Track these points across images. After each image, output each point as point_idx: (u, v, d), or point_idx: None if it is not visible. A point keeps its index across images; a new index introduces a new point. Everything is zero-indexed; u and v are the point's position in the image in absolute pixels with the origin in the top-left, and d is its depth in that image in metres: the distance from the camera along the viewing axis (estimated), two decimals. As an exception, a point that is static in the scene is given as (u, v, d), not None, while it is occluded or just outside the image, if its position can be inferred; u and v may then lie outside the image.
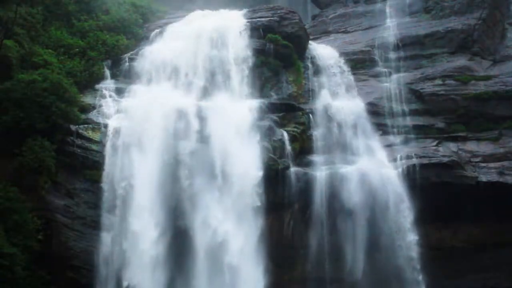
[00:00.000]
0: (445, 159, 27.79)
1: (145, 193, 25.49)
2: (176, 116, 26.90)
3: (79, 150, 26.26)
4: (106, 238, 25.17)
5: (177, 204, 25.72)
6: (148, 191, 25.53)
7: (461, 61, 31.33)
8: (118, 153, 26.24)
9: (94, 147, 26.45)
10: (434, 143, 28.90)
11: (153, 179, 25.64)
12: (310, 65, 30.94)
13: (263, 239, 25.68)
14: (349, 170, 27.50)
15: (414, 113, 30.02)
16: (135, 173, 25.92)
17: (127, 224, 25.42)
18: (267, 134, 27.52)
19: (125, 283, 24.88)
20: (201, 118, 26.97)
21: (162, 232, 25.38)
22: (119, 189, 25.73)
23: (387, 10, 35.14)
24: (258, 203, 25.96)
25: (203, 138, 26.53)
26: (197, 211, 25.59)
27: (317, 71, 30.89)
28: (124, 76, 29.62)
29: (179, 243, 25.45)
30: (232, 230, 25.34)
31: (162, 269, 25.21)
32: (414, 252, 26.71)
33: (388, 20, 34.54)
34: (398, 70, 31.68)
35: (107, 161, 26.09)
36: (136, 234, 25.27)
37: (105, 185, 25.77)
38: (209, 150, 26.17)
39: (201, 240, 25.29)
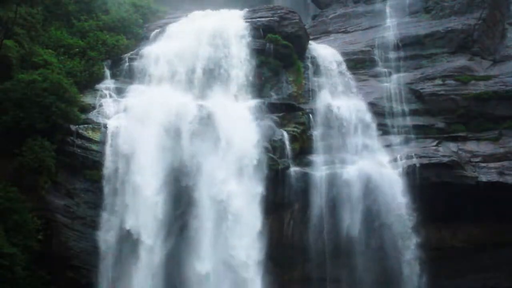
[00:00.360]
0: (445, 159, 27.80)
1: (147, 154, 25.93)
2: (176, 115, 26.96)
3: (79, 150, 26.26)
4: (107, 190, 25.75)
5: (180, 163, 26.09)
6: (150, 152, 25.95)
7: (461, 61, 31.33)
8: (121, 129, 26.69)
9: (94, 147, 26.45)
10: (434, 143, 28.90)
11: (155, 143, 26.11)
12: (310, 65, 30.93)
13: (262, 196, 26.08)
14: (349, 170, 27.54)
15: (414, 113, 30.02)
16: (138, 139, 26.33)
17: (129, 178, 25.82)
18: (267, 134, 27.52)
19: (127, 227, 25.23)
20: (201, 117, 27.05)
21: (163, 184, 25.67)
22: (122, 150, 26.17)
23: (387, 10, 35.13)
24: (255, 162, 26.31)
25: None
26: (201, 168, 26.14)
27: (317, 71, 30.88)
28: (124, 76, 29.64)
29: (181, 195, 25.79)
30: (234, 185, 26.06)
31: (164, 215, 25.44)
32: (404, 211, 26.80)
33: (388, 20, 34.52)
34: (398, 70, 31.67)
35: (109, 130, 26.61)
36: (137, 185, 25.68)
37: (108, 151, 26.20)
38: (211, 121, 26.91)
39: (205, 192, 25.79)
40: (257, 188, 26.23)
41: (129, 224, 25.34)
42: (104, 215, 25.50)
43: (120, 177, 25.97)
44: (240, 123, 27.19)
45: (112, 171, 26.02)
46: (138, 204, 25.54)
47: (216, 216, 25.67)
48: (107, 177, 25.90)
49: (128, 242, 25.27)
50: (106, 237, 25.25)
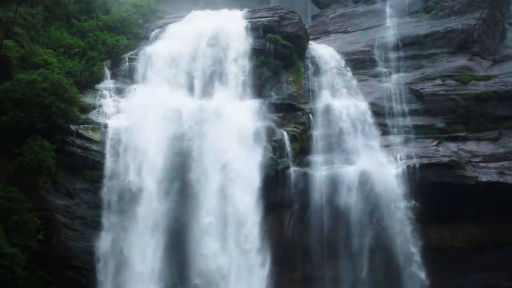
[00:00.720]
0: (445, 159, 27.79)
1: (150, 124, 26.64)
2: (176, 115, 27.05)
3: (79, 150, 26.28)
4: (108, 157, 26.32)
5: (182, 132, 26.71)
6: (152, 123, 26.64)
7: (461, 61, 31.33)
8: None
9: (94, 147, 26.47)
10: (434, 143, 28.89)
11: (157, 119, 26.80)
12: (310, 65, 30.95)
13: (260, 163, 26.60)
14: (349, 170, 27.53)
15: (414, 113, 30.01)
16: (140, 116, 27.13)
17: (131, 143, 26.34)
18: (267, 134, 27.54)
19: (129, 178, 25.80)
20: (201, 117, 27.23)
21: (165, 148, 26.18)
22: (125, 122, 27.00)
23: (387, 10, 35.15)
24: (252, 132, 26.98)
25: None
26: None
27: (317, 71, 30.90)
28: (124, 76, 29.65)
29: (183, 156, 26.27)
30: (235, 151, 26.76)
31: (165, 170, 25.95)
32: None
33: (388, 20, 34.53)
34: (398, 70, 31.68)
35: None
36: (138, 149, 26.24)
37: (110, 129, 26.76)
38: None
39: (207, 154, 26.46)
40: (257, 156, 26.60)
41: (130, 177, 25.81)
42: (106, 174, 25.94)
43: (123, 143, 26.46)
44: (240, 119, 27.49)
45: (116, 139, 26.52)
46: (140, 162, 26.08)
47: (217, 173, 26.15)
48: (110, 145, 26.40)
49: (129, 194, 25.74)
50: (108, 195, 25.76)
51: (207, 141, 26.61)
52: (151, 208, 25.57)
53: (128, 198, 25.74)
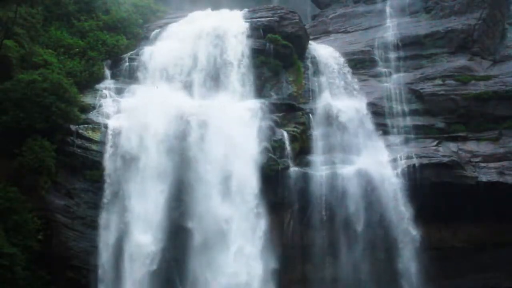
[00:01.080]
0: (445, 159, 27.80)
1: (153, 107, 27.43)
2: (176, 116, 27.10)
3: (79, 150, 26.30)
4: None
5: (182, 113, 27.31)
6: (153, 116, 27.16)
7: (461, 61, 31.34)
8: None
9: (94, 147, 26.50)
10: (434, 143, 28.91)
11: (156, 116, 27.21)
12: (310, 65, 30.97)
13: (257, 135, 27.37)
14: (349, 170, 27.54)
15: (414, 113, 30.04)
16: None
17: (133, 123, 27.05)
18: (267, 134, 27.56)
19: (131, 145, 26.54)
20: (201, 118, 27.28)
21: (165, 122, 26.77)
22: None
23: (387, 10, 35.17)
24: (249, 115, 27.68)
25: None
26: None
27: (317, 71, 30.91)
28: (124, 76, 29.69)
29: (183, 127, 26.87)
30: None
31: (166, 138, 26.48)
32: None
33: (388, 20, 34.55)
34: (398, 70, 31.69)
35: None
36: (140, 125, 26.93)
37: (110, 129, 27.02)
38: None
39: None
40: (253, 133, 27.09)
41: (130, 145, 26.46)
42: (108, 148, 26.31)
43: (124, 125, 26.92)
44: (239, 121, 27.58)
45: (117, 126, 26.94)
46: (141, 135, 26.66)
47: (218, 139, 26.66)
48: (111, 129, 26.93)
49: (130, 156, 26.34)
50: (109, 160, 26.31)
51: (206, 117, 26.99)
52: (152, 161, 26.10)
53: (129, 158, 26.24)
